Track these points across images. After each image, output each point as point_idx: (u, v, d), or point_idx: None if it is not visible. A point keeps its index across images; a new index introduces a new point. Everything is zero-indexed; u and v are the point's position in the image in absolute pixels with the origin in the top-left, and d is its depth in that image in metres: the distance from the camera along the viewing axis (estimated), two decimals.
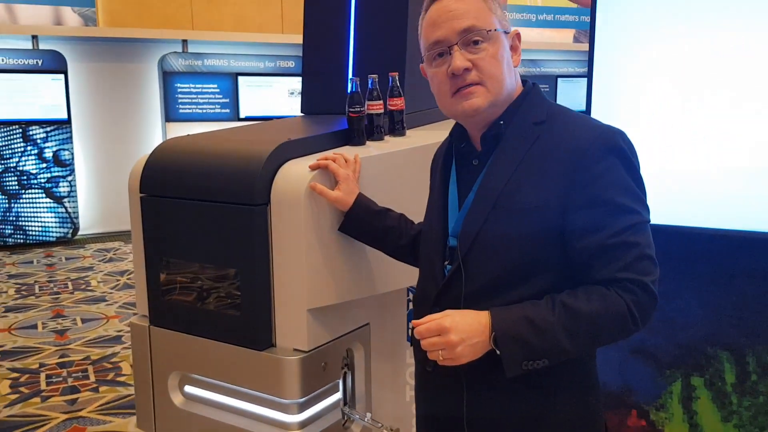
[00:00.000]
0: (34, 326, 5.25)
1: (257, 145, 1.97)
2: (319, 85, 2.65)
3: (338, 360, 2.03)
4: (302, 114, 2.69)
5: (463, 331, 1.35)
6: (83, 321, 5.37)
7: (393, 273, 2.07)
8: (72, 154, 8.20)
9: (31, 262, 7.36)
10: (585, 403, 1.52)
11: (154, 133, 8.83)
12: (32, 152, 7.99)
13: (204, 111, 8.73)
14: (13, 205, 7.95)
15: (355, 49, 2.57)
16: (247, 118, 8.85)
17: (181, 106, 8.63)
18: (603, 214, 1.38)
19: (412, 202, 2.07)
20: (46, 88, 7.95)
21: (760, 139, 2.23)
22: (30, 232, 8.05)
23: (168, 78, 8.55)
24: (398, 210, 1.91)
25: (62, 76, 8.02)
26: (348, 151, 2.03)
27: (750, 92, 2.24)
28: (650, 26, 2.41)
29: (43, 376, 4.29)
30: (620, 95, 2.50)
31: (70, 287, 6.35)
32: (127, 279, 6.60)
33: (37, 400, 3.94)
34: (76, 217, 8.31)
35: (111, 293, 6.15)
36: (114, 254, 7.69)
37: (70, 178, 8.21)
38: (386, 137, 2.26)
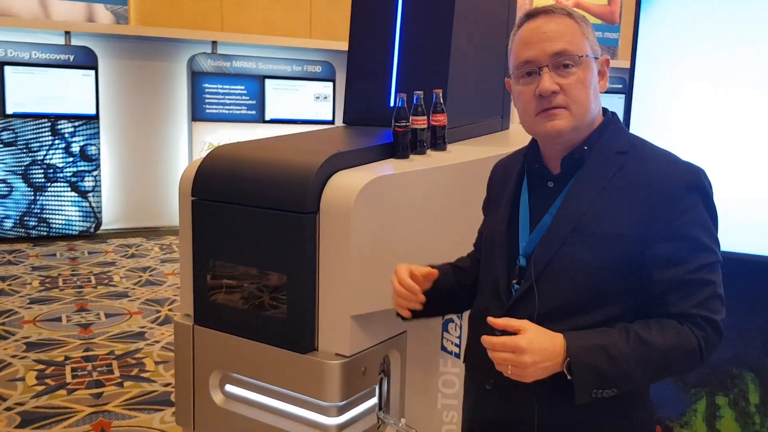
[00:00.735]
0: (59, 319, 5.33)
1: (308, 156, 2.04)
2: (363, 98, 2.72)
3: (376, 366, 2.08)
4: (344, 124, 2.75)
5: (537, 353, 1.35)
6: (107, 316, 5.44)
7: None
8: (98, 149, 8.30)
9: (54, 254, 7.44)
10: (644, 415, 1.55)
11: (180, 132, 8.92)
12: (60, 146, 8.09)
13: (230, 112, 8.81)
14: (38, 197, 8.05)
15: (399, 65, 2.64)
16: (272, 121, 8.94)
17: (207, 107, 8.72)
18: (684, 250, 1.41)
19: (452, 216, 2.13)
20: (77, 83, 8.06)
21: None
22: (54, 225, 8.15)
23: (196, 78, 8.65)
24: (439, 222, 1.94)
25: (93, 72, 8.13)
26: (393, 164, 2.09)
27: None
28: (692, 42, 2.45)
29: (68, 368, 4.35)
30: (653, 113, 2.56)
31: (93, 281, 6.43)
32: (149, 276, 6.67)
33: (63, 392, 4.00)
34: (99, 212, 8.40)
35: (134, 289, 6.23)
36: (136, 250, 7.77)
37: (95, 173, 8.31)
38: (428, 151, 2.33)
